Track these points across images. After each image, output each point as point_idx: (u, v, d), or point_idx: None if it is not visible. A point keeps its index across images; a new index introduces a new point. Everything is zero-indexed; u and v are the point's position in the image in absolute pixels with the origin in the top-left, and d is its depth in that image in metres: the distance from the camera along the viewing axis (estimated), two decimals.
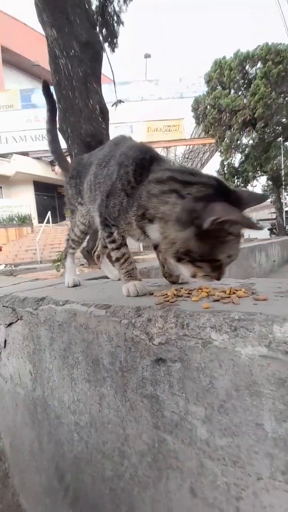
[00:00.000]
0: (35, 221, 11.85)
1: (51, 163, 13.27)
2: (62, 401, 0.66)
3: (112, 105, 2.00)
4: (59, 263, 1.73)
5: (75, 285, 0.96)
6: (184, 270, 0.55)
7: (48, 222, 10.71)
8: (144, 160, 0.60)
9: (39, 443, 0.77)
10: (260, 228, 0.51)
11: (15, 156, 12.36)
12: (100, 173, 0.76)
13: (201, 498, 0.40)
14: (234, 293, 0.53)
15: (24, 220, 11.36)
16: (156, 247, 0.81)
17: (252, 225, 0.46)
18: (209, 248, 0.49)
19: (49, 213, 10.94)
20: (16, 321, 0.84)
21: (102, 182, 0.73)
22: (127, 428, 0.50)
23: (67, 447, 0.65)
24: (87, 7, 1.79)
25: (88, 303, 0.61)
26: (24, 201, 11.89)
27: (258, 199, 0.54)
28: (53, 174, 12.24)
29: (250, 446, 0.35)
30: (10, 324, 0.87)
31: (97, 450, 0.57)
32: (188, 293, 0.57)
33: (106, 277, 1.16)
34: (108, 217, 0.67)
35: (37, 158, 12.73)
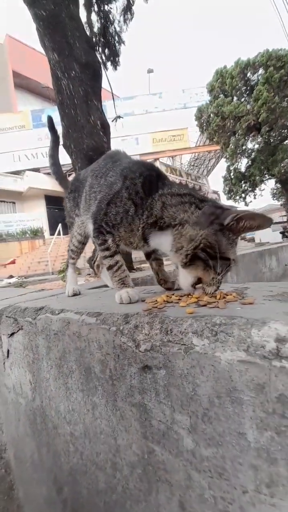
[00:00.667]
0: (46, 233, 12.21)
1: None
2: (59, 411, 0.66)
3: (112, 121, 2.07)
4: (64, 273, 1.76)
5: (74, 294, 0.98)
6: (188, 277, 0.58)
7: (59, 234, 11.00)
8: (151, 176, 0.67)
9: (39, 455, 0.77)
10: (270, 221, 0.56)
11: (27, 172, 12.93)
12: (96, 183, 0.79)
13: None
14: (224, 297, 0.52)
15: (36, 233, 11.73)
16: (148, 257, 0.82)
17: (267, 220, 0.55)
18: (225, 245, 0.55)
19: (59, 225, 11.25)
20: (18, 331, 0.86)
21: (99, 191, 0.76)
22: (118, 439, 0.50)
23: (64, 458, 0.65)
24: (85, 29, 1.90)
25: (81, 311, 0.61)
26: (36, 215, 12.33)
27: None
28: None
29: (234, 457, 0.33)
30: (12, 334, 0.89)
31: (91, 461, 0.56)
32: (179, 299, 0.57)
33: (107, 286, 1.17)
34: (105, 225, 0.69)
35: (48, 174, 13.23)
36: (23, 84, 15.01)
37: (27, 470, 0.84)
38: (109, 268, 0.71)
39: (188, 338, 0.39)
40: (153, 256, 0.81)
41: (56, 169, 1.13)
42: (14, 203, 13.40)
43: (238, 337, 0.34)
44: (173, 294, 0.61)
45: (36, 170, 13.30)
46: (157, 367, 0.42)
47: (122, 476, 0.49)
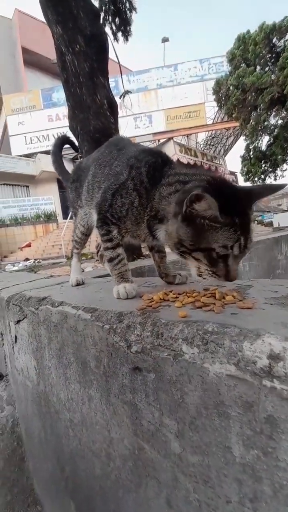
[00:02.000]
0: (59, 217, 12.36)
1: (73, 160, 13.61)
2: (59, 398, 0.68)
3: (120, 97, 1.96)
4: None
5: (78, 284, 0.99)
6: (191, 267, 0.55)
7: (71, 218, 11.11)
8: (156, 163, 0.63)
9: (45, 434, 0.82)
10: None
11: (39, 155, 12.86)
12: (100, 172, 0.76)
13: (176, 511, 0.39)
14: (223, 297, 0.49)
15: (50, 217, 11.92)
16: (151, 248, 0.79)
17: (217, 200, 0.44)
18: (196, 234, 0.50)
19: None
20: (23, 319, 0.89)
21: (103, 180, 0.72)
22: (111, 431, 0.51)
23: (65, 441, 0.68)
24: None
25: (78, 306, 0.61)
26: (49, 199, 12.42)
27: (273, 189, 0.55)
28: None
29: (220, 468, 0.32)
30: (18, 321, 0.92)
31: (88, 448, 0.59)
32: (176, 297, 0.55)
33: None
34: (111, 216, 0.66)
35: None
36: (33, 61, 14.47)
37: (35, 446, 0.91)
38: (110, 260, 0.70)
39: (178, 344, 0.37)
40: (156, 248, 0.79)
41: (57, 165, 1.16)
42: (27, 187, 13.53)
43: (229, 349, 0.32)
44: (171, 291, 0.58)
45: (48, 152, 13.19)
46: (147, 370, 0.41)
47: (115, 466, 0.51)
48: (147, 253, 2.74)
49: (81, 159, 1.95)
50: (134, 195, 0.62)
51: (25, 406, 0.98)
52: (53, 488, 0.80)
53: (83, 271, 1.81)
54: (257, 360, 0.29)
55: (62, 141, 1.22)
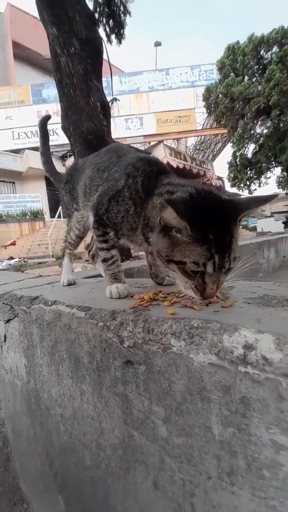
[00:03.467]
0: (47, 215, 12.10)
1: (62, 158, 13.41)
2: (51, 394, 0.70)
3: (108, 102, 1.99)
4: (61, 260, 1.78)
5: (69, 284, 1.01)
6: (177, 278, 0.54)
7: (59, 216, 10.92)
8: (152, 173, 0.65)
9: (34, 431, 0.83)
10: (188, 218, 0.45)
11: (27, 151, 12.55)
12: (98, 176, 0.78)
13: (162, 491, 0.43)
14: None
15: (36, 215, 11.63)
16: (147, 251, 0.83)
17: (181, 212, 0.44)
18: (170, 246, 0.49)
19: (60, 208, 11.13)
20: (14, 318, 0.90)
21: (101, 184, 0.74)
22: (102, 423, 0.54)
23: (55, 436, 0.70)
24: (88, 1, 1.77)
25: (72, 305, 0.64)
26: (37, 196, 12.14)
27: (261, 201, 0.53)
28: (64, 169, 12.39)
29: (201, 447, 0.37)
30: (9, 320, 0.93)
31: (79, 440, 0.61)
32: (165, 297, 0.59)
33: (101, 276, 1.19)
34: (107, 219, 0.69)
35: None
36: (24, 56, 14.14)
37: (23, 444, 0.92)
38: (104, 260, 0.72)
39: (167, 339, 0.41)
40: (149, 249, 0.82)
41: (48, 167, 1.16)
42: (13, 183, 13.15)
43: (211, 341, 0.36)
44: (160, 291, 0.63)
45: (36, 149, 12.90)
46: (138, 363, 0.45)
47: (106, 456, 0.54)
48: (135, 254, 2.78)
49: (77, 160, 1.96)
50: (129, 204, 0.64)
51: (13, 405, 0.98)
52: (41, 484, 0.81)
53: (73, 271, 1.81)
54: (234, 349, 0.33)
55: (44, 124, 1.18)
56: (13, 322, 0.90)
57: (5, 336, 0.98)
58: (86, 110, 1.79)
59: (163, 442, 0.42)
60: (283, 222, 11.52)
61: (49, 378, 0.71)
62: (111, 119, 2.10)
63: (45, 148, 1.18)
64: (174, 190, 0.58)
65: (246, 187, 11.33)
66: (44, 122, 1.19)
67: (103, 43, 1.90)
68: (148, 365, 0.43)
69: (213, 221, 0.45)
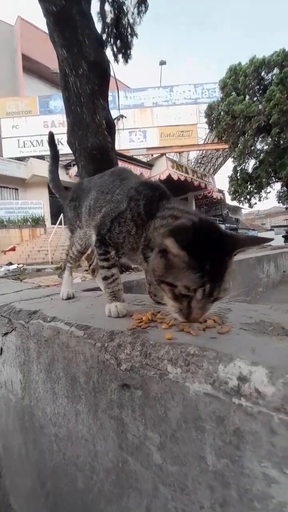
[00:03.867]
0: (48, 222, 12.20)
1: (66, 167, 13.66)
2: (45, 412, 0.70)
3: (114, 119, 2.07)
4: (60, 270, 1.80)
5: (68, 298, 1.02)
6: (165, 298, 0.56)
7: (60, 223, 11.01)
8: (153, 197, 0.68)
9: (26, 449, 0.82)
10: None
11: (31, 159, 12.81)
12: (102, 198, 0.81)
13: None
14: (205, 321, 0.55)
15: (37, 221, 11.73)
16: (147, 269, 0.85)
17: (181, 241, 0.46)
18: (165, 267, 0.51)
19: (61, 215, 11.23)
20: (11, 331, 0.90)
21: (104, 205, 0.77)
22: (96, 445, 0.54)
23: (48, 456, 0.69)
24: (97, 23, 1.87)
25: (71, 322, 0.65)
26: (39, 203, 12.29)
27: (258, 241, 0.56)
28: (67, 177, 12.60)
29: (195, 476, 0.37)
30: (6, 333, 0.93)
31: (72, 462, 0.61)
32: (163, 318, 0.60)
33: (101, 289, 1.20)
34: (109, 239, 0.71)
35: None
36: (33, 68, 14.70)
37: (14, 461, 0.90)
38: (105, 279, 0.74)
39: (164, 364, 0.42)
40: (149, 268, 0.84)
41: (54, 184, 1.20)
42: (17, 189, 13.32)
43: (206, 371, 0.37)
44: (159, 312, 0.64)
45: (41, 157, 13.18)
46: (134, 387, 0.46)
47: (99, 479, 0.54)
48: (135, 266, 2.79)
49: (81, 173, 2.02)
50: (131, 225, 0.67)
51: (6, 420, 0.97)
52: (32, 504, 0.79)
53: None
54: (229, 380, 0.34)
55: (53, 140, 1.21)
56: (11, 336, 0.90)
57: (1, 349, 0.98)
58: (91, 126, 1.86)
59: (157, 469, 0.42)
60: (283, 236, 11.62)
61: (45, 396, 0.70)
62: (117, 131, 2.18)
63: (53, 167, 1.23)
64: (178, 215, 0.60)
65: (246, 201, 11.51)
66: (51, 139, 1.23)
67: (110, 64, 2.00)
68: (145, 390, 0.44)
69: (210, 252, 0.47)
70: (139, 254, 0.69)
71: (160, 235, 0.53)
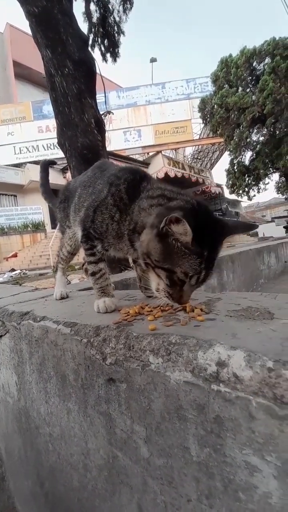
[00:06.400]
0: (48, 227, 12.24)
1: (63, 171, 13.68)
2: (40, 412, 0.69)
3: (102, 114, 2.06)
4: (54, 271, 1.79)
5: (62, 298, 1.01)
6: (151, 279, 0.56)
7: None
8: (134, 180, 0.66)
9: (25, 451, 0.81)
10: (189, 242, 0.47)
11: (28, 165, 12.85)
12: (85, 192, 0.80)
13: None
14: (192, 310, 0.54)
15: (37, 227, 11.78)
16: (134, 261, 0.83)
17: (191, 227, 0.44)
18: (163, 253, 0.50)
19: None
20: (5, 333, 0.90)
21: (87, 199, 0.76)
22: (88, 443, 0.53)
23: (44, 456, 0.69)
24: (81, 23, 1.87)
25: (59, 321, 0.64)
26: (38, 208, 12.33)
27: (247, 227, 0.58)
28: (65, 181, 12.64)
29: (181, 468, 0.36)
30: (0, 336, 0.93)
31: (67, 461, 0.60)
32: (150, 311, 0.59)
33: None
34: (93, 231, 0.69)
35: (49, 167, 13.18)
36: (24, 74, 14.72)
37: (15, 464, 0.90)
38: (92, 274, 0.73)
39: (146, 355, 0.41)
40: (138, 261, 0.83)
41: (47, 196, 1.26)
42: (15, 196, 13.38)
43: (186, 358, 0.36)
44: (147, 305, 0.63)
45: (37, 163, 13.20)
46: (119, 381, 0.45)
47: (92, 477, 0.53)
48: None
49: (72, 173, 2.01)
50: (114, 210, 0.65)
51: (6, 423, 0.97)
52: (34, 505, 0.79)
53: (69, 283, 1.82)
54: (208, 367, 0.33)
55: (46, 167, 1.31)
56: (5, 338, 0.89)
57: None
58: (80, 126, 1.85)
59: (145, 463, 0.41)
60: (284, 227, 11.52)
61: (38, 396, 0.70)
62: (108, 132, 2.17)
63: (44, 181, 1.29)
64: (170, 195, 0.58)
65: (245, 193, 11.41)
66: (46, 165, 1.32)
67: (96, 63, 1.99)
68: (129, 383, 0.43)
69: (209, 239, 0.48)
70: (126, 240, 0.66)
71: (160, 217, 0.50)
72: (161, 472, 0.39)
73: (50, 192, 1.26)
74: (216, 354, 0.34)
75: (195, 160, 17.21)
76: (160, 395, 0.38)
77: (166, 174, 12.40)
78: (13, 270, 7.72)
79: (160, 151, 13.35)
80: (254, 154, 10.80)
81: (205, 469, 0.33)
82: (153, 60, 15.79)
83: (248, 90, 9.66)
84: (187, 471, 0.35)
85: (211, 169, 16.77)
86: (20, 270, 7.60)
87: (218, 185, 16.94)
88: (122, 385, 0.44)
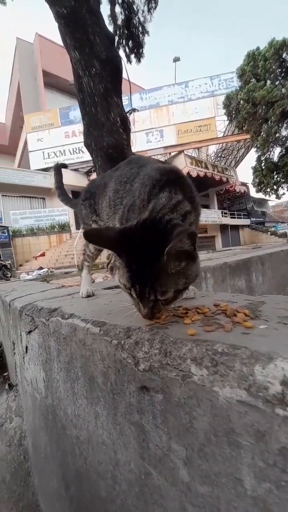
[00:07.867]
0: (73, 227, 12.70)
1: (87, 174, 14.12)
2: (66, 413, 0.67)
3: (127, 112, 2.05)
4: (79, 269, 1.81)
5: (88, 296, 1.00)
6: None
7: None
8: (160, 182, 0.61)
9: (51, 449, 0.80)
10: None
11: None
12: (121, 188, 0.77)
13: None
14: (234, 315, 0.48)
15: (63, 228, 12.29)
16: None
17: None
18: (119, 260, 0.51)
19: None
20: (34, 329, 0.90)
21: (125, 196, 0.74)
22: (117, 453, 0.49)
23: (71, 459, 0.67)
24: (108, 23, 1.87)
25: (87, 319, 0.62)
26: (64, 210, 12.85)
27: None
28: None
29: (230, 501, 0.31)
30: (30, 331, 0.94)
31: (94, 468, 0.57)
32: (185, 313, 0.54)
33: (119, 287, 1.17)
34: None
35: (75, 170, 13.68)
36: (52, 83, 15.48)
37: (41, 460, 0.90)
38: None
39: (187, 364, 0.36)
40: None
41: (63, 198, 1.31)
42: (44, 199, 14.10)
43: (239, 373, 0.30)
44: (180, 306, 0.58)
45: (64, 166, 13.77)
46: (154, 390, 0.40)
47: (121, 490, 0.49)
48: None
49: (95, 177, 2.03)
50: (139, 212, 0.62)
51: (33, 418, 0.97)
52: (58, 507, 0.77)
53: (93, 281, 1.82)
54: (270, 386, 0.27)
55: (59, 170, 1.36)
56: (34, 334, 0.90)
57: (26, 347, 0.99)
58: (106, 125, 1.86)
59: (185, 487, 0.36)
60: None
61: (65, 396, 0.68)
62: (132, 134, 2.16)
63: (59, 184, 1.33)
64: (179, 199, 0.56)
65: (273, 192, 10.80)
66: (58, 168, 1.38)
67: (122, 60, 1.98)
68: (166, 394, 0.38)
69: (138, 253, 0.46)
70: None
71: None
72: (204, 500, 0.34)
73: (66, 194, 1.30)
74: (279, 371, 0.28)
75: (218, 158, 16.70)
76: (205, 413, 0.33)
77: (188, 173, 12.20)
78: (41, 268, 8.11)
79: (183, 151, 13.16)
80: (284, 150, 10.18)
81: (262, 505, 0.27)
82: (176, 59, 15.66)
83: (277, 83, 9.14)
84: (237, 504, 0.30)
85: (235, 168, 16.15)
86: (47, 268, 7.96)
87: (243, 184, 16.26)
88: (157, 396, 0.40)
